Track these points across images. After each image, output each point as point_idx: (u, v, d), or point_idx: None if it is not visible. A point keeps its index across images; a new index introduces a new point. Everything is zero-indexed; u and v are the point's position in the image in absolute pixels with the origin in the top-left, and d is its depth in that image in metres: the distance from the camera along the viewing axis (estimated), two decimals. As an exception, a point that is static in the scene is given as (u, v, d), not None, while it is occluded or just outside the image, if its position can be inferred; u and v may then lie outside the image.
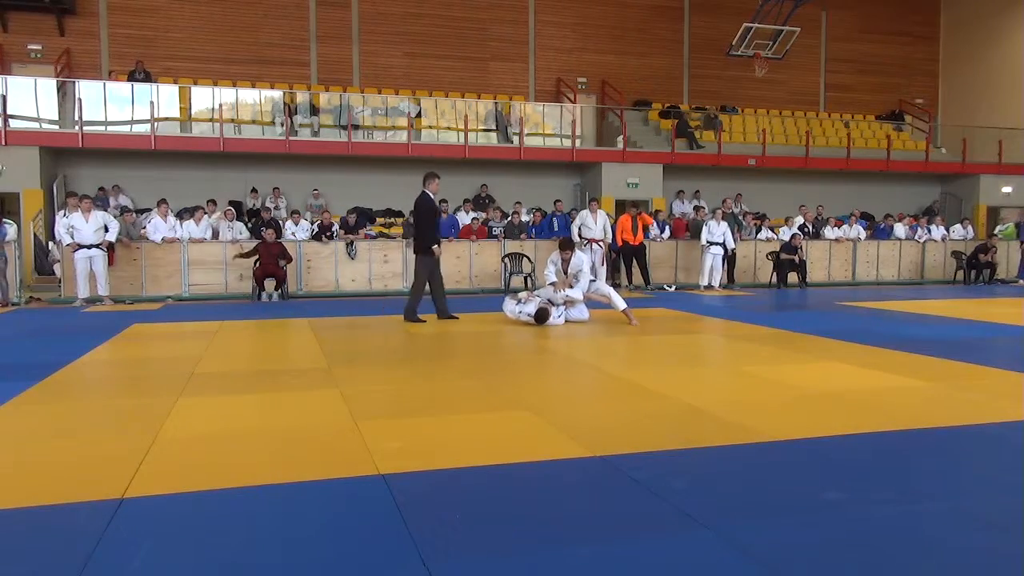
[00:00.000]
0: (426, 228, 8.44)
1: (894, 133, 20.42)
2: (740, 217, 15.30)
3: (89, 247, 10.74)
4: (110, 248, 11.22)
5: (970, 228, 17.29)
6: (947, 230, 16.89)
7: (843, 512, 2.64)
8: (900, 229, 16.47)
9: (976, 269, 15.71)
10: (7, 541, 2.43)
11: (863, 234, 16.15)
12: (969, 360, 5.73)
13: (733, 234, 13.64)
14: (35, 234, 13.36)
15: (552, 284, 8.24)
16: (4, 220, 11.17)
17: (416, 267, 8.64)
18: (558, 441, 3.53)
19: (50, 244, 13.17)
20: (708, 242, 13.32)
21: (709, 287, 13.35)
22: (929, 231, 16.64)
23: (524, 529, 2.50)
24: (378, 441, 3.49)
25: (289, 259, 11.88)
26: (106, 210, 13.50)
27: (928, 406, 4.30)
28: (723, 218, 13.59)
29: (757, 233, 15.36)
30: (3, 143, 13.57)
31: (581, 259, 8.30)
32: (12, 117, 13.92)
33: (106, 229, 10.88)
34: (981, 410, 4.18)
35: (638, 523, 2.57)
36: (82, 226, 10.68)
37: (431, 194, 8.36)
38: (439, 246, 8.49)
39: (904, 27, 22.33)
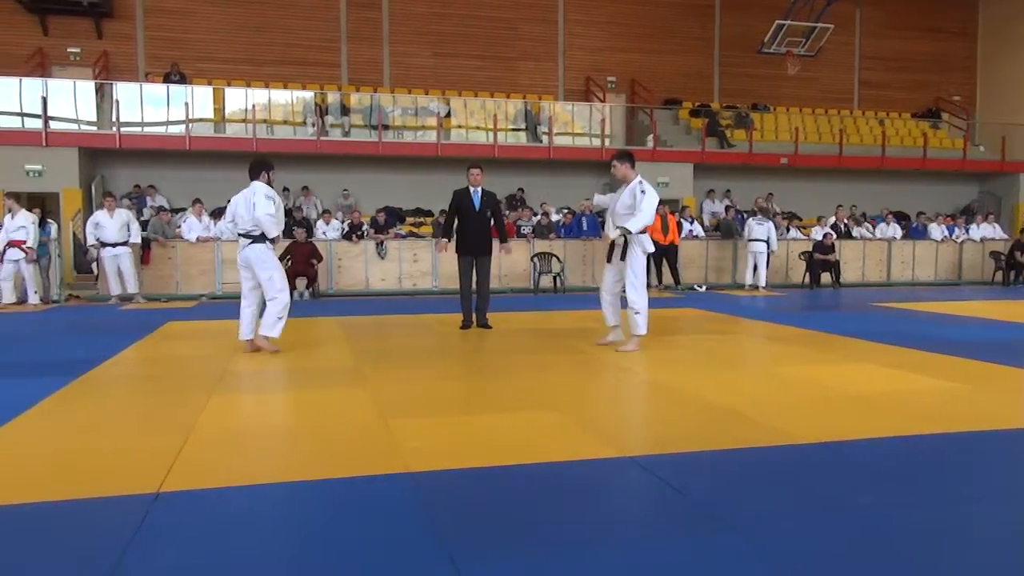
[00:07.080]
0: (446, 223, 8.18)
1: (930, 131, 20.02)
2: (771, 216, 15.12)
3: (114, 245, 11.00)
4: (145, 247, 11.56)
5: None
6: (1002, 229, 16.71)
7: (873, 516, 2.61)
8: (936, 230, 16.14)
9: (1015, 269, 15.37)
10: (46, 533, 2.49)
11: (899, 232, 15.86)
12: (1004, 362, 5.60)
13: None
14: (74, 232, 13.65)
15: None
16: (46, 219, 11.46)
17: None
18: (586, 441, 3.53)
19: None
20: (751, 239, 13.18)
21: (754, 287, 13.19)
22: (967, 231, 16.30)
23: (552, 529, 2.50)
24: (407, 439, 3.52)
25: (320, 258, 12.00)
26: (143, 209, 13.80)
27: (962, 409, 4.22)
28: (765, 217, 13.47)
29: (787, 232, 15.17)
30: (44, 144, 13.87)
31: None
32: (52, 119, 14.23)
33: (128, 229, 11.13)
34: (1017, 414, 4.09)
35: (667, 524, 2.56)
36: (107, 223, 10.99)
37: (472, 188, 7.87)
38: (446, 241, 8.04)
39: (939, 23, 21.87)
